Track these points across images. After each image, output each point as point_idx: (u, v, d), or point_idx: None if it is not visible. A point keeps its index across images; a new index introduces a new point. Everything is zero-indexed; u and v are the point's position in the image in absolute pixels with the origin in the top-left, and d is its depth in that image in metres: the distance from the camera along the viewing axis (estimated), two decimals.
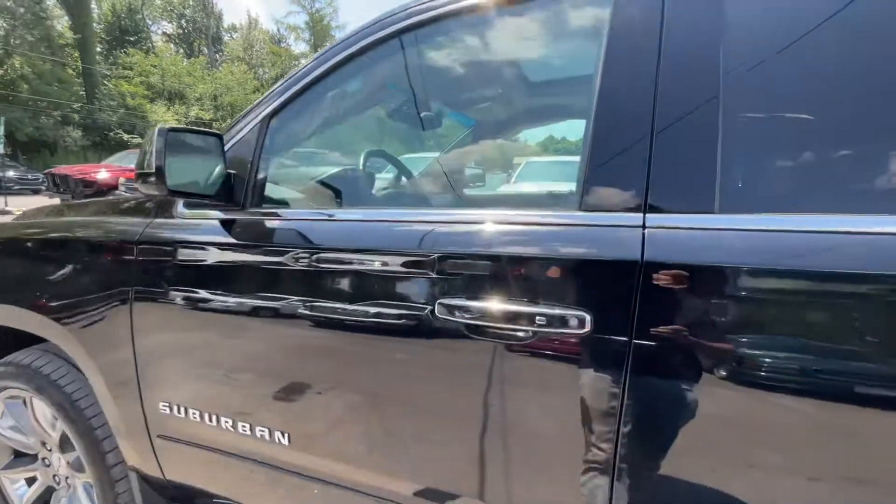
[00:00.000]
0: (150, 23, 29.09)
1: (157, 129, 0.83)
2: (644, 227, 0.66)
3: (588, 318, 0.66)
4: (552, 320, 0.67)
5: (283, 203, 1.10)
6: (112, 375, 1.09)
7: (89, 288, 1.10)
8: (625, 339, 0.64)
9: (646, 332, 0.63)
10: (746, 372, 0.60)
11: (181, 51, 31.66)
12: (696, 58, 0.68)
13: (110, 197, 1.63)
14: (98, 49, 25.79)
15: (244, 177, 1.00)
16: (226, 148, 1.03)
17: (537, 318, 0.67)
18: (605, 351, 0.67)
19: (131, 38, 27.47)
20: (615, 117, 0.71)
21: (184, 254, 1.02)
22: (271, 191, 1.06)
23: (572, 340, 0.68)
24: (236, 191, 1.00)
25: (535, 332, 0.69)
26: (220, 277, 0.97)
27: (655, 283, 0.63)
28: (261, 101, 1.02)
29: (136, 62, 25.34)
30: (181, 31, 32.76)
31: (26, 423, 1.30)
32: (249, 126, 1.02)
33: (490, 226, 0.77)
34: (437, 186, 2.16)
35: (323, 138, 1.26)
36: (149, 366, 1.05)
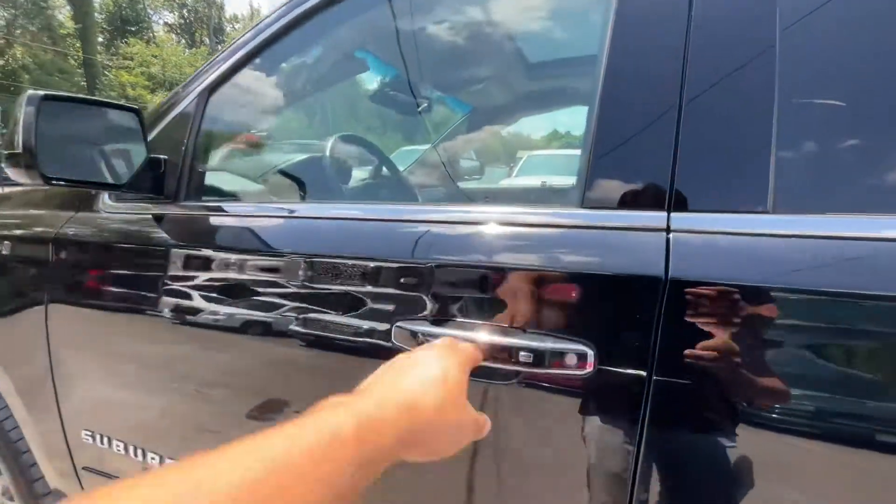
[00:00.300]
0: (151, 13, 28.82)
1: (26, 96, 0.64)
2: (668, 230, 0.48)
3: (590, 352, 0.49)
4: (541, 356, 0.50)
5: (229, 196, 0.93)
6: (29, 396, 0.93)
7: (4, 293, 0.94)
8: (640, 383, 0.47)
9: (670, 373, 0.46)
10: (810, 425, 0.43)
11: (182, 41, 31.38)
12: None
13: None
14: (99, 39, 25.58)
15: (177, 164, 0.83)
16: (156, 129, 0.86)
17: (520, 353, 0.50)
18: (612, 398, 0.49)
19: (132, 28, 27.27)
20: (629, 78, 0.53)
21: (105, 255, 0.85)
22: (215, 181, 0.89)
23: (568, 383, 0.51)
24: (168, 181, 0.83)
25: (517, 373, 0.52)
26: (147, 285, 0.80)
27: (684, 306, 0.46)
28: (199, 72, 0.85)
29: (136, 52, 25.14)
30: (182, 21, 32.47)
31: None
32: (184, 103, 0.84)
33: (456, 227, 0.59)
34: (427, 179, 1.99)
35: (282, 119, 1.09)
36: (69, 387, 0.89)
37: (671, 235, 0.48)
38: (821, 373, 0.43)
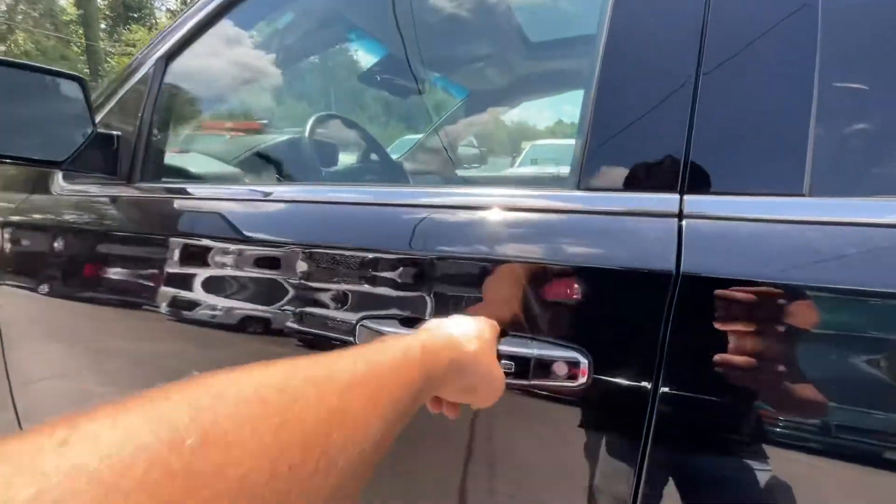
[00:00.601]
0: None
1: None
2: (681, 215, 0.40)
3: (584, 361, 0.41)
4: (524, 365, 0.42)
5: (192, 177, 0.84)
6: None
7: None
8: (644, 396, 0.39)
9: (679, 385, 0.38)
10: (856, 448, 0.35)
11: None
12: None
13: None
14: (102, 26, 25.40)
15: (131, 141, 0.74)
16: (111, 101, 0.78)
17: (500, 362, 0.42)
18: (609, 415, 0.42)
19: (135, 15, 27.09)
20: (634, 32, 0.44)
21: (55, 242, 0.77)
22: (175, 161, 0.81)
23: (558, 397, 0.43)
24: (121, 160, 0.75)
25: None
26: (110, 274, 0.73)
27: (699, 307, 0.37)
28: (155, 39, 0.76)
29: (139, 39, 24.96)
30: (184, 7, 32.19)
31: None
32: (139, 73, 0.76)
33: (432, 212, 0.51)
34: (422, 166, 1.90)
35: (252, 92, 1.00)
36: (24, 388, 0.82)
37: (685, 222, 0.39)
38: (871, 386, 0.34)
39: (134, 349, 0.72)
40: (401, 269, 0.49)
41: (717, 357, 0.37)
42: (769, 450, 0.37)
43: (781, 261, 0.36)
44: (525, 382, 0.42)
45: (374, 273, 0.50)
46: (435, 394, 0.35)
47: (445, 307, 0.47)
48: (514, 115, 2.37)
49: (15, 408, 0.85)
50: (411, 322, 0.48)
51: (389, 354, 0.29)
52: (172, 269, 0.66)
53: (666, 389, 0.39)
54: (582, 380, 0.41)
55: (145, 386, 0.18)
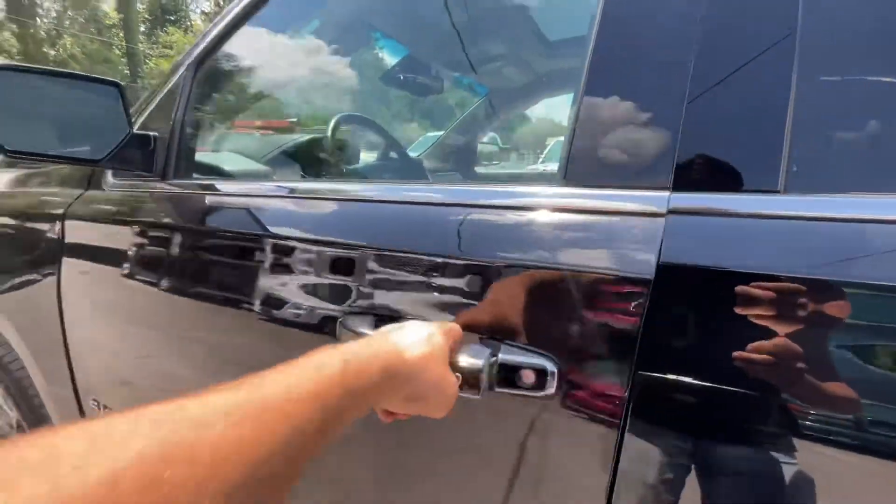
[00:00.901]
0: (188, 1, 29.56)
1: None
2: (668, 212, 0.41)
3: (553, 370, 0.41)
4: (477, 373, 0.42)
5: (223, 174, 0.91)
6: (47, 364, 0.96)
7: (20, 267, 0.96)
8: (616, 413, 0.39)
9: (653, 396, 0.38)
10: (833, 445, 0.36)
11: None
12: None
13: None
14: (141, 29, 26.48)
15: (166, 140, 0.81)
16: (150, 105, 0.84)
17: (457, 371, 0.41)
18: (580, 427, 0.41)
19: (171, 18, 28.09)
20: (624, 24, 0.45)
21: (105, 233, 0.85)
22: (205, 158, 0.87)
23: (523, 409, 0.43)
24: (157, 158, 0.81)
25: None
26: (147, 264, 0.79)
27: (679, 303, 0.39)
28: (193, 46, 0.82)
29: (175, 41, 25.91)
30: (217, 9, 33.19)
31: None
32: (175, 76, 0.82)
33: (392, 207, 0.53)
34: (443, 163, 1.93)
35: (278, 92, 1.05)
36: (80, 357, 0.90)
37: (669, 219, 0.41)
38: (850, 379, 0.35)
39: (197, 336, 0.78)
40: (378, 263, 0.52)
41: (709, 362, 0.36)
42: (749, 455, 0.36)
43: (768, 260, 0.37)
44: (499, 390, 0.42)
45: (359, 272, 0.53)
46: (371, 405, 0.34)
47: (418, 309, 0.48)
48: (534, 111, 2.37)
49: (74, 384, 0.93)
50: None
51: (295, 376, 0.28)
52: (204, 260, 0.71)
53: (636, 410, 0.39)
54: (550, 387, 0.40)
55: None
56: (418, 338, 0.38)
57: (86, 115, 0.71)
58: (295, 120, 1.49)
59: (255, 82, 0.94)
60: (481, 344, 0.44)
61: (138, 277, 0.79)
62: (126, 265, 0.81)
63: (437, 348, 0.38)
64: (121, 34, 24.55)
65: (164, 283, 0.74)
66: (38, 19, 22.28)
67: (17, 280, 0.99)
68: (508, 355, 0.43)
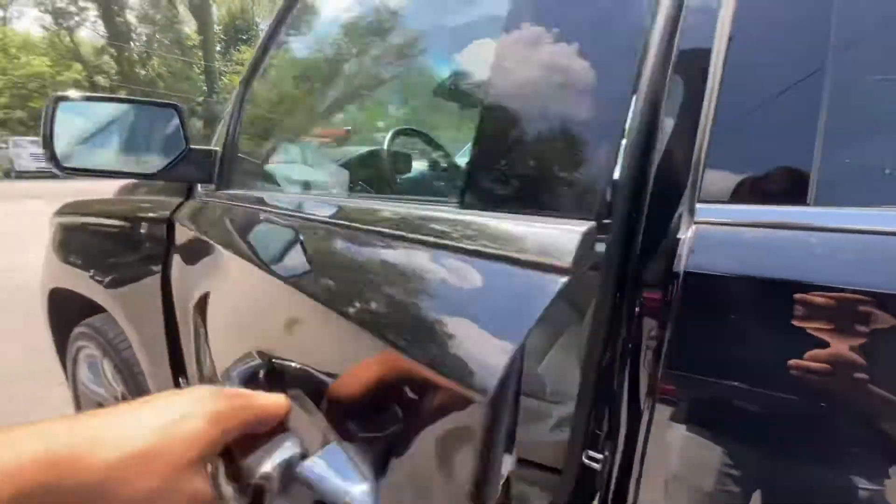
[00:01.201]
0: (258, 21, 31.77)
1: (50, 98, 0.72)
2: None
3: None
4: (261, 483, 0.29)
5: (271, 185, 0.97)
6: (151, 350, 1.07)
7: (131, 263, 1.09)
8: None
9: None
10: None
11: None
12: None
13: None
14: (217, 48, 28.87)
15: (221, 153, 0.88)
16: (221, 123, 0.92)
17: (233, 478, 0.29)
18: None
19: (244, 37, 30.31)
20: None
21: (194, 239, 0.94)
22: (254, 169, 0.94)
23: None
24: (215, 170, 0.88)
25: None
26: (222, 267, 0.86)
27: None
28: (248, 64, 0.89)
29: (247, 58, 27.79)
30: None
31: (100, 379, 1.38)
32: (233, 96, 0.90)
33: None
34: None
35: (322, 103, 1.11)
36: (181, 343, 1.00)
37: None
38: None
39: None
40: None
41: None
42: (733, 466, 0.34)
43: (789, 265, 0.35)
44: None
45: None
46: None
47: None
48: None
49: (172, 367, 1.03)
50: None
51: None
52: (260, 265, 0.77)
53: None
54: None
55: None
56: (153, 423, 0.25)
57: (148, 134, 0.80)
58: (349, 128, 1.56)
59: (299, 94, 1.00)
60: (289, 438, 0.29)
61: (230, 273, 0.85)
62: (219, 263, 0.88)
63: (181, 442, 0.25)
64: (200, 53, 26.91)
65: (250, 280, 0.80)
66: (131, 43, 25.00)
67: (129, 274, 1.12)
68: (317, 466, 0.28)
